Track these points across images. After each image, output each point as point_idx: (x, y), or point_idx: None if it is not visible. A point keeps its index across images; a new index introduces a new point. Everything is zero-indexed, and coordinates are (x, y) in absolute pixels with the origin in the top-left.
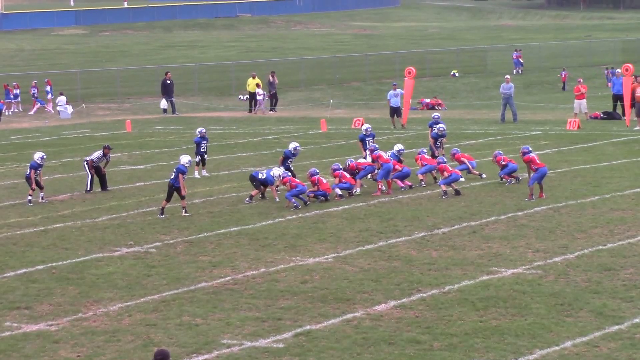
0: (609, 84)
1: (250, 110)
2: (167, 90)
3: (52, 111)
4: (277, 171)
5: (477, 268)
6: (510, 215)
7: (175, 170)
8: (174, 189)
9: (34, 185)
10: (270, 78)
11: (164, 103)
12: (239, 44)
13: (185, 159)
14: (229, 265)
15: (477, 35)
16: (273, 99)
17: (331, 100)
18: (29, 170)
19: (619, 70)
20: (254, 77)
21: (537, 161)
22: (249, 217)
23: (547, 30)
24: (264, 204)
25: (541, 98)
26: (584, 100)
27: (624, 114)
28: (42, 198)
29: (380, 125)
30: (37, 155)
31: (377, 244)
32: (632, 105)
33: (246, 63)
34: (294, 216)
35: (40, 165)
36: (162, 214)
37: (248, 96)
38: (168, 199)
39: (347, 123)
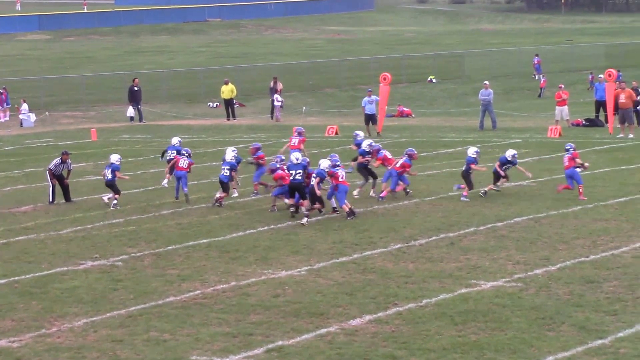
0: (590, 87)
1: (227, 118)
2: (134, 98)
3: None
4: (230, 153)
5: (455, 281)
6: (489, 226)
7: (315, 174)
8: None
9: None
10: (272, 84)
11: (130, 111)
12: (209, 49)
13: (324, 163)
14: (198, 279)
15: (455, 39)
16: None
17: (304, 108)
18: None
19: (601, 75)
20: (227, 84)
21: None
22: (218, 228)
23: (527, 35)
24: (234, 215)
25: (521, 105)
26: (566, 106)
27: (606, 121)
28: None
29: None
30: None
31: (351, 256)
32: (616, 112)
33: (216, 69)
34: (265, 228)
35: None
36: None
37: (218, 104)
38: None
39: (320, 131)
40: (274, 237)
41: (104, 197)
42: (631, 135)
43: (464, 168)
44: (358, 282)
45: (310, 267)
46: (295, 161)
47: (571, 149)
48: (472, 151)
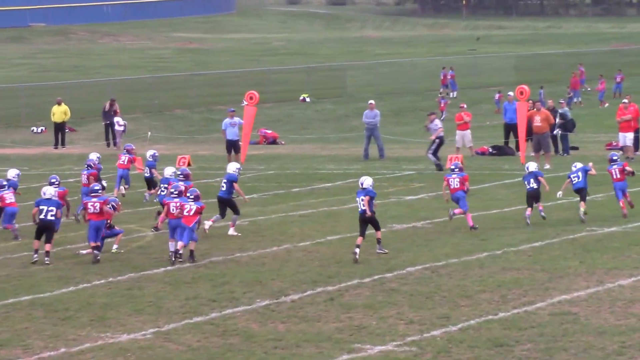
0: (498, 109)
1: (55, 146)
2: None
3: None
4: (12, 172)
5: (335, 345)
6: (376, 277)
7: (365, 194)
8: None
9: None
10: (107, 106)
11: None
12: (31, 61)
13: (367, 182)
14: (20, 345)
15: (334, 49)
16: (109, 129)
17: (149, 133)
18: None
19: (511, 93)
20: (59, 104)
21: None
22: (44, 282)
23: (420, 43)
24: (63, 266)
25: (414, 129)
26: (468, 131)
27: (517, 149)
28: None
29: (212, 165)
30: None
31: (208, 315)
32: (529, 138)
33: (40, 86)
34: (102, 281)
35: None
36: None
37: (44, 128)
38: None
39: (169, 161)
40: (112, 293)
41: None
42: (547, 166)
43: (531, 187)
44: (216, 347)
45: (158, 329)
46: (43, 196)
47: (618, 159)
48: (533, 166)
